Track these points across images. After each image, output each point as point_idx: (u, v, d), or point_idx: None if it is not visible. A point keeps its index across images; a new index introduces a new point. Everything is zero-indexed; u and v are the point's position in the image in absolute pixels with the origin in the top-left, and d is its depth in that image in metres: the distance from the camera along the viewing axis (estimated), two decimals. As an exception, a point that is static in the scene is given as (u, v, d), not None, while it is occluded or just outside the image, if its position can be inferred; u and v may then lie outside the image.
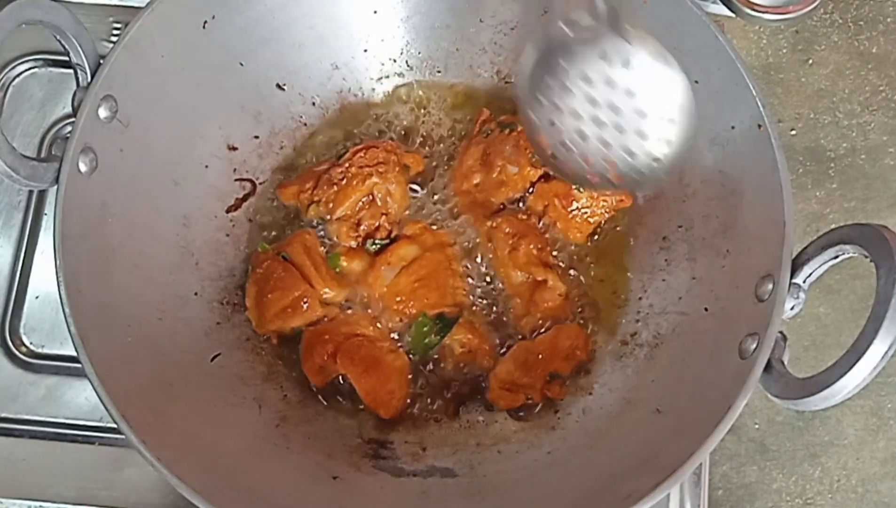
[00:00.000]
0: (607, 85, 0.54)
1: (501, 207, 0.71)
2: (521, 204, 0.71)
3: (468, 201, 0.72)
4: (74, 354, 0.54)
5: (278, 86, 0.73)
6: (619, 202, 0.69)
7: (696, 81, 0.65)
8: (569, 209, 0.69)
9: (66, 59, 0.60)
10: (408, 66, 0.76)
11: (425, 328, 0.68)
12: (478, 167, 0.71)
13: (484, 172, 0.71)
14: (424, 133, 0.75)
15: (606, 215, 0.69)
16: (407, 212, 0.72)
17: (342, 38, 0.74)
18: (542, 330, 0.68)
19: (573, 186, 0.68)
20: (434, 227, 0.71)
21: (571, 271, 0.71)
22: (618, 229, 0.71)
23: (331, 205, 0.69)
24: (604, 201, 0.69)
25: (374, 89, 0.76)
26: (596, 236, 0.71)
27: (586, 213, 0.69)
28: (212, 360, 0.65)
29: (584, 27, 0.53)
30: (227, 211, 0.71)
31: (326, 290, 0.67)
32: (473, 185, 0.71)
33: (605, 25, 0.53)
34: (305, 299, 0.67)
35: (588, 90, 0.54)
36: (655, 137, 0.55)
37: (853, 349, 0.48)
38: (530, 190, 0.70)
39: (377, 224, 0.70)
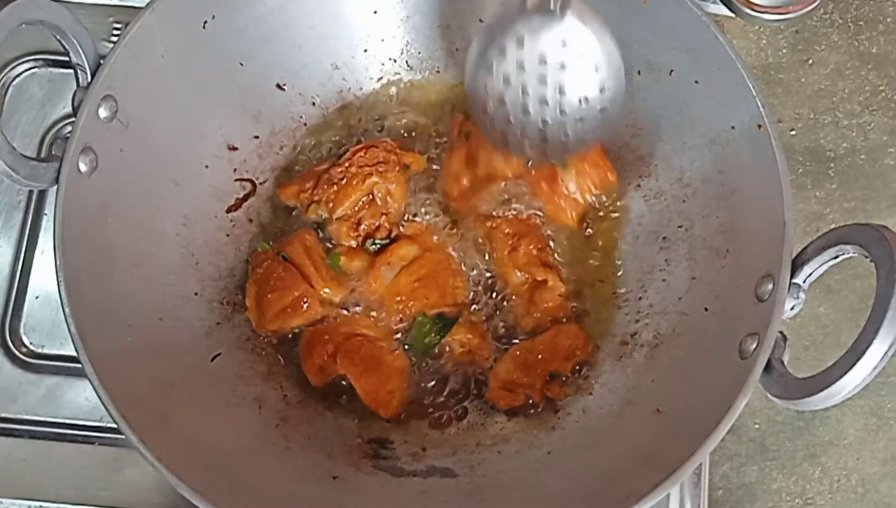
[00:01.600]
0: (559, 68, 0.60)
1: (498, 202, 0.71)
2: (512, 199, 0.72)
3: (463, 205, 0.72)
4: (74, 354, 0.54)
5: (278, 86, 0.73)
6: (605, 178, 0.70)
7: (696, 81, 0.65)
8: (556, 190, 0.69)
9: (66, 59, 0.60)
10: (408, 66, 0.76)
11: (425, 328, 0.68)
12: (464, 169, 0.71)
13: (471, 172, 0.71)
14: (424, 133, 0.75)
15: (595, 193, 0.70)
16: (407, 212, 0.72)
17: (342, 38, 0.74)
18: (543, 330, 0.68)
19: (557, 165, 0.69)
20: (434, 224, 0.71)
21: (571, 271, 0.71)
22: (617, 228, 0.71)
23: (331, 205, 0.69)
24: (590, 178, 0.69)
25: (374, 89, 0.76)
26: (590, 230, 0.71)
27: (574, 193, 0.69)
28: (212, 360, 0.65)
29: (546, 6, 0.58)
30: (227, 211, 0.71)
31: (326, 290, 0.67)
32: (463, 187, 0.71)
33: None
34: (305, 299, 0.67)
35: (540, 69, 0.60)
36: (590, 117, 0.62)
37: (853, 349, 0.48)
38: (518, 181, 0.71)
39: (377, 224, 0.70)
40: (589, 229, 0.72)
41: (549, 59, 0.59)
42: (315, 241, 0.69)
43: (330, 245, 0.70)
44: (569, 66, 0.60)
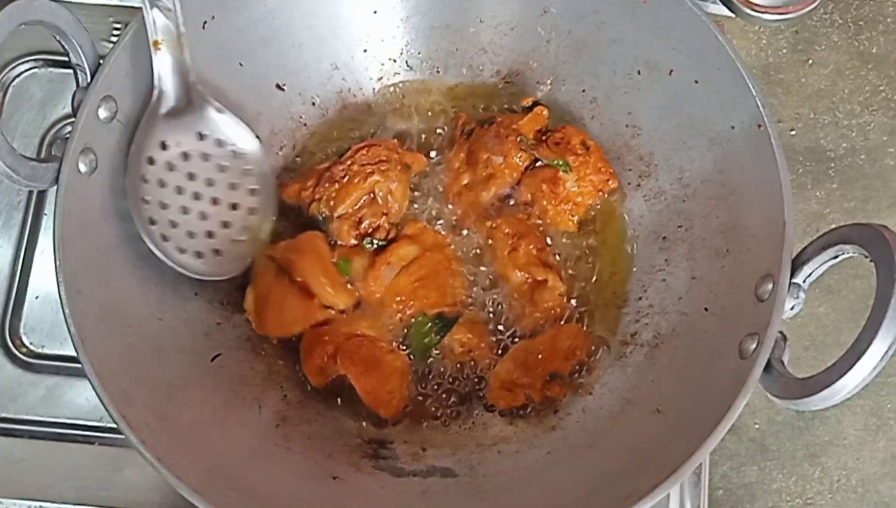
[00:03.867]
0: (203, 160, 0.64)
1: (498, 202, 0.71)
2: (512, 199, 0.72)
3: (463, 204, 0.72)
4: (74, 354, 0.54)
5: (278, 86, 0.73)
6: (605, 184, 0.70)
7: (696, 81, 0.65)
8: (556, 192, 0.69)
9: (66, 59, 0.60)
10: (408, 66, 0.76)
11: (425, 328, 0.68)
12: (465, 168, 0.71)
13: (471, 171, 0.71)
14: (424, 133, 0.75)
15: (593, 198, 0.70)
16: (407, 211, 0.72)
17: (342, 38, 0.74)
18: (543, 330, 0.68)
19: (559, 168, 0.69)
20: (435, 226, 0.71)
21: (571, 271, 0.71)
22: (617, 229, 0.71)
23: (332, 203, 0.69)
24: (590, 179, 0.69)
25: (374, 89, 0.76)
26: (590, 228, 0.72)
27: (574, 196, 0.69)
28: (212, 360, 0.65)
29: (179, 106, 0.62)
30: (227, 211, 0.71)
31: (336, 303, 0.67)
32: (463, 186, 0.71)
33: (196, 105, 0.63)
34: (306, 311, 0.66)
35: (187, 166, 0.63)
36: (245, 206, 0.66)
37: (853, 349, 0.48)
38: (519, 182, 0.71)
39: (378, 224, 0.70)
40: (589, 229, 0.72)
41: (192, 154, 0.63)
42: (327, 248, 0.68)
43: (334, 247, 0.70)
44: (212, 155, 0.64)
